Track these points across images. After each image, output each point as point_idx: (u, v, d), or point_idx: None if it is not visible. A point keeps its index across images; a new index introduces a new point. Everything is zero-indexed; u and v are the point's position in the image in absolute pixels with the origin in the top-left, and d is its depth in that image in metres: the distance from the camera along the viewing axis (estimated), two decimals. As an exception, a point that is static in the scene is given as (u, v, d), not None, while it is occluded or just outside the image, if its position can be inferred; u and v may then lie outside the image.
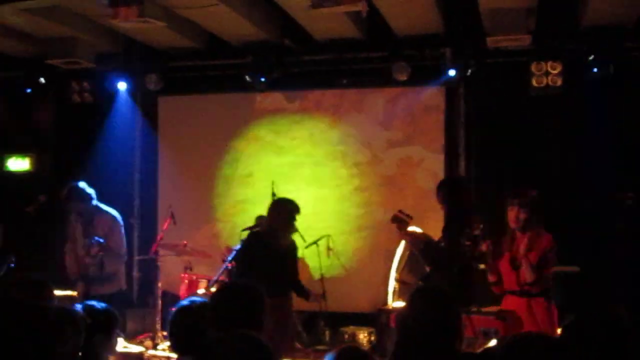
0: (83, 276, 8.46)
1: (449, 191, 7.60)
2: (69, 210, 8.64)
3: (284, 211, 7.83)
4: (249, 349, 3.20)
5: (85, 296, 7.90)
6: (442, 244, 7.33)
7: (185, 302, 4.42)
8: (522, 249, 6.56)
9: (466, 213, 7.35)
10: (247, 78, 10.90)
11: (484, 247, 6.73)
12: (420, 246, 7.62)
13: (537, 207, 6.67)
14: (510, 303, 6.58)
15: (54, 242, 9.78)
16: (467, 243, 6.86)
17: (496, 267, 6.73)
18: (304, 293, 7.93)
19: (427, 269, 7.40)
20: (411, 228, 7.91)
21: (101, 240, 8.15)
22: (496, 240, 6.86)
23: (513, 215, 6.64)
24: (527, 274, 6.49)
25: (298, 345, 9.70)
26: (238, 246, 7.81)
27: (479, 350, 5.60)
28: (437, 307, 3.94)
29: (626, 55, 9.74)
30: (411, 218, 7.59)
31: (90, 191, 8.55)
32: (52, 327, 3.65)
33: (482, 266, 6.99)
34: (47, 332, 3.63)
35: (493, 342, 5.89)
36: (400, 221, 7.57)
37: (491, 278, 6.80)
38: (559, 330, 6.27)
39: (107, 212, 8.63)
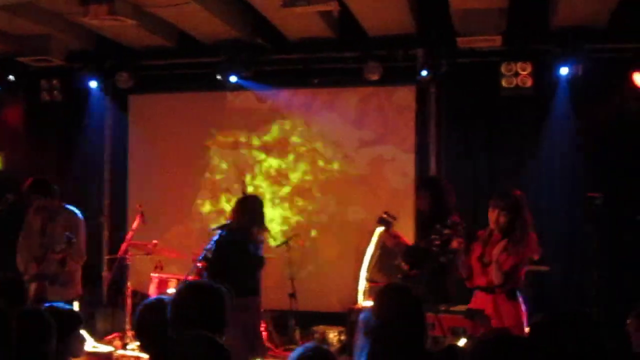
0: (39, 276, 7.78)
1: (433, 191, 7.65)
2: (28, 204, 8.20)
3: (251, 209, 7.81)
4: (205, 350, 3.19)
5: (40, 298, 7.39)
6: (421, 245, 7.34)
7: (151, 299, 4.42)
8: (495, 252, 6.55)
9: (448, 213, 7.38)
10: (218, 77, 10.89)
11: (454, 244, 6.74)
12: (402, 248, 7.64)
13: (520, 210, 6.64)
14: (479, 298, 6.59)
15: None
16: (437, 242, 6.87)
17: (468, 263, 6.73)
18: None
19: (405, 268, 7.40)
20: (381, 228, 7.93)
21: (72, 237, 7.73)
22: (468, 236, 6.86)
23: (493, 217, 6.62)
24: (495, 277, 6.50)
25: (268, 344, 9.69)
26: (208, 245, 7.77)
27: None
28: (400, 305, 3.96)
29: (596, 55, 9.80)
30: (396, 219, 7.61)
31: (55, 188, 8.19)
32: (43, 329, 3.67)
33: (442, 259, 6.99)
34: (37, 334, 3.64)
35: (462, 341, 5.91)
36: (386, 223, 7.60)
37: (462, 274, 6.81)
38: (526, 329, 6.32)
39: (72, 211, 8.27)
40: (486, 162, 10.58)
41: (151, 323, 4.13)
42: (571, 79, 9.93)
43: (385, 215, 7.62)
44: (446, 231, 6.78)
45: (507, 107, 10.37)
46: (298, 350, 3.59)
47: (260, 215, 7.85)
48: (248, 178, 9.90)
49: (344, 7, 8.99)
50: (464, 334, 5.85)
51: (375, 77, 10.52)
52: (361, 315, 4.12)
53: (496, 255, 6.52)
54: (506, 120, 10.49)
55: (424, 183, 7.85)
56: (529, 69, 9.95)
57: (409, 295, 4.08)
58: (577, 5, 8.94)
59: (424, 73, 10.34)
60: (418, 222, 10.10)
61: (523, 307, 6.58)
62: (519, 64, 9.95)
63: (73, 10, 9.19)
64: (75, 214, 8.25)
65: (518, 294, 6.59)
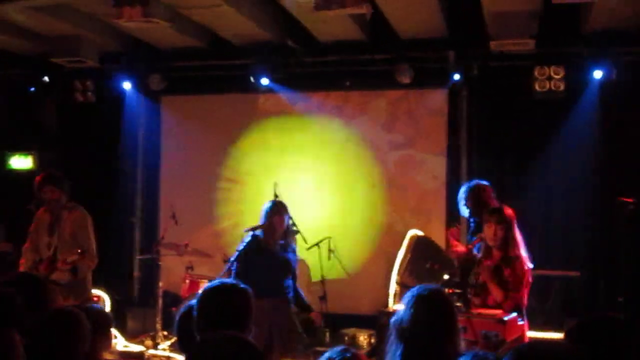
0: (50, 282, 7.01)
1: (476, 197, 7.71)
2: (40, 199, 7.81)
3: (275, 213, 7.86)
4: (237, 350, 3.20)
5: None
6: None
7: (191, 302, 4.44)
8: (486, 273, 6.56)
9: None
10: (251, 79, 10.93)
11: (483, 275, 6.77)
12: (461, 257, 7.66)
13: (511, 224, 6.66)
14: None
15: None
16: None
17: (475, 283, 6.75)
18: (304, 306, 8.02)
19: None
20: (413, 231, 7.95)
21: (84, 248, 7.47)
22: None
23: (491, 232, 6.63)
24: (496, 294, 6.50)
25: (298, 346, 9.71)
26: (240, 246, 7.79)
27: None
28: (438, 309, 3.96)
29: (629, 59, 9.75)
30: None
31: (67, 182, 7.89)
32: (81, 327, 3.70)
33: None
34: (76, 332, 3.68)
35: None
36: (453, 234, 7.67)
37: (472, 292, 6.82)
38: (555, 335, 6.32)
39: (78, 207, 7.91)
40: (517, 166, 10.53)
41: (189, 324, 4.15)
42: (604, 82, 9.88)
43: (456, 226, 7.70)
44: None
45: (539, 111, 10.33)
46: (327, 353, 3.59)
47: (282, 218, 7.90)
48: (279, 181, 9.87)
49: (375, 10, 8.99)
50: (496, 338, 5.83)
51: (406, 80, 10.52)
52: (392, 319, 4.11)
53: (488, 274, 6.53)
54: (537, 123, 10.44)
55: (469, 189, 7.91)
56: (562, 72, 9.90)
57: (442, 298, 4.08)
58: (610, 9, 8.89)
59: (456, 76, 10.33)
60: (449, 225, 10.10)
61: (523, 323, 6.57)
62: (552, 68, 9.90)
63: (106, 12, 9.25)
64: (82, 210, 7.94)
65: (524, 313, 6.59)
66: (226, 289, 3.95)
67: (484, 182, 8.01)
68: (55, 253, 7.56)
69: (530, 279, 6.63)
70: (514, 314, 6.32)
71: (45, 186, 7.72)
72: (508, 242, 6.58)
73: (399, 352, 3.96)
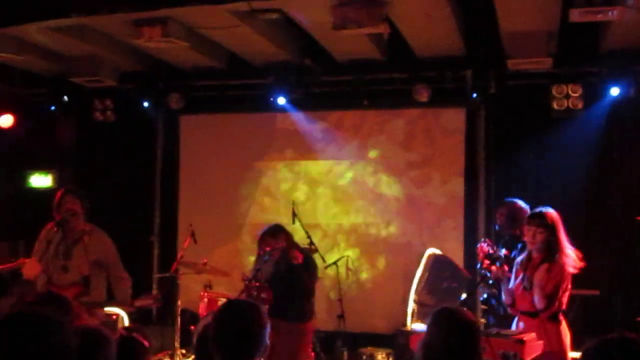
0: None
1: (508, 213, 7.72)
2: (61, 220, 7.37)
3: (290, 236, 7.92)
4: None
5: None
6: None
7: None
8: (537, 276, 6.53)
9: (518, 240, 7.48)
10: (269, 98, 10.98)
11: (494, 272, 6.75)
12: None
13: (556, 228, 6.64)
14: (524, 324, 6.57)
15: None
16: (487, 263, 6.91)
17: (511, 290, 6.72)
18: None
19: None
20: (430, 250, 7.97)
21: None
22: (512, 261, 6.86)
23: (530, 235, 6.63)
24: (538, 301, 6.47)
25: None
26: (258, 266, 7.82)
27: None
28: (462, 329, 3.98)
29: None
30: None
31: (87, 201, 7.56)
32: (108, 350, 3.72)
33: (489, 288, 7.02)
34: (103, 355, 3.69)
35: None
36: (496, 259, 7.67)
37: (507, 300, 6.80)
38: (573, 354, 6.28)
39: (98, 231, 7.60)
40: (536, 186, 10.51)
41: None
42: (622, 100, 9.86)
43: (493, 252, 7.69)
44: (496, 254, 6.82)
45: (557, 130, 10.32)
46: None
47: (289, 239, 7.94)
48: (297, 199, 9.92)
49: (393, 29, 9.02)
50: (514, 358, 5.82)
51: (424, 99, 10.53)
52: (420, 341, 4.13)
53: (538, 279, 6.50)
54: (556, 142, 10.42)
55: (502, 205, 7.95)
56: (579, 91, 9.90)
57: (461, 318, 4.10)
58: (628, 27, 8.89)
59: (473, 95, 10.34)
60: (467, 244, 10.11)
61: (566, 331, 6.54)
62: (570, 86, 9.90)
63: (126, 32, 9.33)
64: (106, 236, 7.67)
65: (561, 317, 6.56)
66: (240, 307, 3.96)
67: (521, 203, 8.01)
68: (87, 283, 7.26)
69: (569, 285, 6.59)
70: (533, 334, 6.31)
71: (66, 195, 7.45)
72: (551, 247, 6.56)
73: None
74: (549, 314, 6.46)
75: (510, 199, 8.15)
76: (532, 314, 6.52)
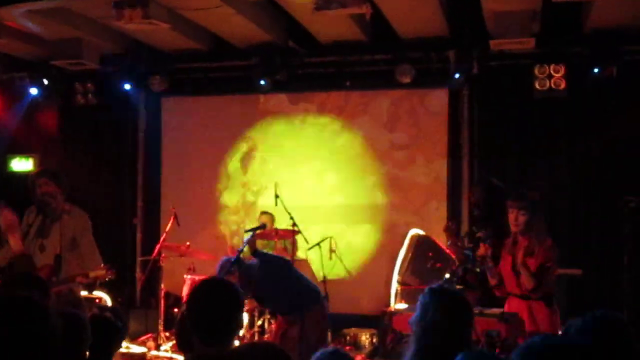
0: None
1: (485, 192, 7.70)
2: (35, 195, 7.16)
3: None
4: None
5: None
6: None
7: None
8: (520, 255, 6.53)
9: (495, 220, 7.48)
10: (252, 80, 10.93)
11: (481, 250, 6.72)
12: (460, 257, 7.67)
13: (538, 210, 6.64)
14: (513, 305, 6.58)
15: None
16: (469, 245, 6.92)
17: (497, 270, 6.72)
18: None
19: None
20: (414, 231, 7.96)
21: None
22: (498, 242, 6.85)
23: (513, 217, 6.62)
24: (526, 281, 6.47)
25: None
26: (241, 247, 7.78)
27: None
28: (457, 308, 3.99)
29: (629, 58, 9.75)
30: (456, 226, 7.66)
31: (65, 179, 7.32)
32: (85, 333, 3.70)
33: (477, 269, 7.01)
34: (80, 338, 3.67)
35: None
36: (449, 231, 7.67)
37: (492, 281, 6.79)
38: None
39: (76, 210, 7.31)
40: (519, 165, 10.53)
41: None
42: (605, 81, 9.86)
43: (450, 224, 7.69)
44: (478, 234, 6.81)
45: (540, 110, 10.33)
46: (316, 355, 3.61)
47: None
48: (280, 181, 9.88)
49: (376, 10, 8.99)
50: (497, 337, 5.83)
51: (407, 80, 10.51)
52: (411, 319, 4.13)
53: (521, 258, 6.50)
54: (539, 122, 10.44)
55: (477, 182, 7.93)
56: (562, 71, 9.89)
57: (459, 298, 4.10)
58: (611, 7, 8.90)
59: (456, 75, 10.32)
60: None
61: (557, 316, 6.56)
62: (552, 66, 9.89)
63: (107, 14, 9.25)
64: (84, 214, 7.37)
65: (554, 301, 6.57)
66: (215, 286, 3.91)
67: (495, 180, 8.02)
68: (59, 261, 7.07)
69: (554, 266, 6.60)
70: (516, 313, 6.33)
71: (39, 178, 7.22)
72: (532, 228, 6.55)
73: (414, 350, 3.99)
74: (539, 294, 6.46)
75: (484, 178, 8.16)
76: (522, 296, 6.53)
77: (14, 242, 6.70)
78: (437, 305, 4.03)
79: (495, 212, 7.61)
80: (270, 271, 7.63)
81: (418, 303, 4.13)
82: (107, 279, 7.22)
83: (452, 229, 7.71)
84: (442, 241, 9.26)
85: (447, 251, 8.18)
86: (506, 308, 6.64)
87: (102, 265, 7.11)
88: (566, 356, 3.01)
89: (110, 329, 4.12)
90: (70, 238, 7.21)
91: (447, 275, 6.99)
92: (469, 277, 7.56)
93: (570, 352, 3.03)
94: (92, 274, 7.09)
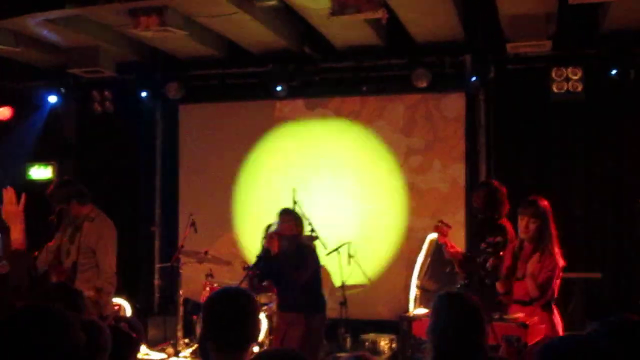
0: None
1: (488, 195, 7.64)
2: (65, 213, 7.41)
3: (293, 218, 7.82)
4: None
5: None
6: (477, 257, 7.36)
7: None
8: (530, 268, 6.48)
9: (499, 216, 7.46)
10: (268, 86, 10.95)
11: (490, 262, 6.66)
12: (458, 257, 7.62)
13: (547, 217, 6.58)
14: (514, 311, 6.54)
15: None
16: (490, 250, 6.87)
17: (506, 277, 6.67)
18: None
19: (461, 281, 7.38)
20: (432, 236, 7.93)
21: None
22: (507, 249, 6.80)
23: (523, 224, 6.55)
24: (531, 290, 6.44)
25: (319, 353, 9.70)
26: (261, 254, 7.79)
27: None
28: (470, 313, 3.97)
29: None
30: (450, 227, 7.61)
31: (86, 192, 7.46)
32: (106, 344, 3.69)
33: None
34: (102, 349, 3.66)
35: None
36: (439, 232, 7.62)
37: (501, 289, 6.73)
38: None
39: (99, 217, 7.43)
40: (537, 169, 10.50)
41: None
42: (622, 83, 9.81)
43: (440, 224, 7.63)
44: (496, 240, 6.76)
45: (558, 113, 10.29)
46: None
47: (298, 223, 7.86)
48: (297, 187, 9.89)
49: (391, 14, 8.99)
50: (517, 342, 5.80)
51: (423, 84, 10.50)
52: (430, 328, 4.11)
53: (531, 269, 6.46)
54: (557, 125, 10.40)
55: (481, 184, 7.87)
56: (579, 73, 9.84)
57: (469, 303, 4.09)
58: (627, 8, 8.86)
59: (472, 79, 10.29)
60: (469, 230, 10.09)
61: (558, 319, 6.52)
62: (570, 69, 9.84)
63: (123, 22, 9.30)
64: (105, 223, 7.46)
65: (553, 306, 6.53)
66: (231, 295, 3.89)
67: (498, 184, 7.97)
68: (75, 268, 7.23)
69: (560, 274, 6.55)
70: (536, 318, 6.29)
71: (51, 199, 7.48)
72: (541, 236, 6.51)
73: (432, 357, 3.98)
74: (542, 302, 6.43)
75: (487, 180, 8.12)
76: (525, 302, 6.49)
77: (16, 235, 6.68)
78: (448, 311, 4.03)
79: (496, 215, 7.58)
80: (312, 254, 7.70)
81: (431, 309, 4.12)
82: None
83: (444, 229, 7.61)
84: (460, 246, 9.24)
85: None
86: (510, 313, 6.62)
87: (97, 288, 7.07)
88: (583, 354, 3.01)
89: (125, 340, 4.11)
90: (87, 246, 7.29)
91: (465, 280, 6.95)
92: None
93: (586, 351, 3.03)
94: (86, 293, 7.01)
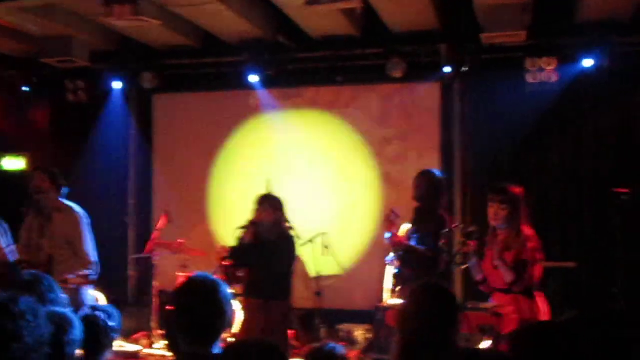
0: None
1: (430, 184, 7.68)
2: (34, 201, 7.32)
3: (280, 206, 7.83)
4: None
5: None
6: (424, 249, 7.41)
7: None
8: (495, 250, 6.50)
9: (439, 206, 7.57)
10: (243, 76, 10.90)
11: (471, 245, 6.67)
12: (399, 250, 7.68)
13: (518, 203, 6.60)
14: (498, 299, 6.55)
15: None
16: (443, 241, 6.93)
17: (482, 267, 6.69)
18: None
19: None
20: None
21: (92, 273, 7.20)
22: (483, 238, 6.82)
23: (492, 211, 6.58)
24: (505, 275, 6.44)
25: (294, 343, 9.69)
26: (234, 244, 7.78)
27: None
28: (441, 303, 3.97)
29: (621, 50, 9.73)
30: (399, 217, 7.64)
31: (62, 179, 7.41)
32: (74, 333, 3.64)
33: (463, 266, 6.97)
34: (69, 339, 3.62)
35: (487, 343, 5.86)
36: (389, 221, 7.65)
37: (477, 277, 6.76)
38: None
39: (69, 208, 7.38)
40: (512, 159, 10.52)
41: None
42: (597, 73, 9.85)
43: (391, 213, 7.68)
44: (470, 229, 6.78)
45: (532, 103, 10.30)
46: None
47: (278, 210, 7.86)
48: (272, 177, 9.87)
49: (366, 4, 8.97)
50: (491, 331, 5.81)
51: (398, 74, 10.48)
52: (399, 317, 4.11)
53: (497, 252, 6.47)
54: (531, 115, 10.40)
55: (421, 173, 7.89)
56: (554, 64, 9.86)
57: (444, 292, 4.08)
58: (602, -1, 8.90)
59: (447, 69, 10.30)
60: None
61: (543, 307, 6.51)
62: (544, 59, 9.86)
63: (96, 11, 9.21)
64: (77, 213, 7.40)
65: (535, 293, 6.53)
66: (196, 284, 3.80)
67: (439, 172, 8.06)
68: (51, 261, 7.11)
69: (539, 257, 6.55)
70: (511, 307, 6.30)
71: (35, 172, 7.42)
72: (513, 222, 6.52)
73: (399, 344, 3.97)
74: (520, 287, 6.43)
75: (428, 169, 8.15)
76: (505, 290, 6.50)
77: None
78: (417, 299, 4.02)
79: (436, 205, 7.64)
80: (288, 242, 7.76)
81: (405, 299, 4.11)
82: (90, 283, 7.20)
83: (393, 220, 7.66)
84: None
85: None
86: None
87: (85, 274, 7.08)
88: (556, 339, 3.01)
89: (100, 329, 4.08)
90: (61, 237, 7.25)
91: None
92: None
93: (559, 335, 3.04)
94: (71, 282, 6.98)
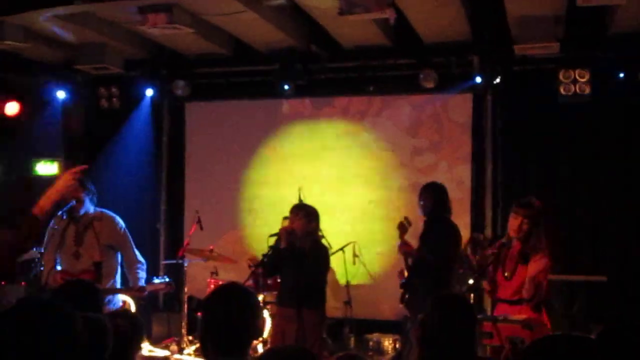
0: None
1: (436, 195, 7.73)
2: (71, 211, 7.27)
3: (316, 215, 7.83)
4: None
5: None
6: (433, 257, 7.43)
7: None
8: (531, 270, 6.49)
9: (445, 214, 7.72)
10: (274, 85, 10.95)
11: (490, 252, 6.71)
12: (408, 258, 7.72)
13: (540, 218, 6.61)
14: (500, 311, 6.55)
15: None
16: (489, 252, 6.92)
17: (493, 276, 6.70)
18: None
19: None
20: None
21: (166, 280, 7.58)
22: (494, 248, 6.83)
23: (516, 224, 6.57)
24: (528, 292, 6.45)
25: (323, 352, 9.69)
26: (267, 252, 7.80)
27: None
28: (459, 314, 3.97)
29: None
30: (410, 225, 7.69)
31: (92, 187, 7.42)
32: (105, 337, 3.66)
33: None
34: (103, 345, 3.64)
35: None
36: (402, 229, 7.70)
37: (487, 286, 6.77)
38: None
39: (108, 214, 7.50)
40: (543, 171, 10.48)
41: None
42: (630, 86, 9.80)
43: (404, 221, 7.71)
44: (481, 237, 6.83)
45: (564, 115, 10.26)
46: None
47: (311, 220, 7.85)
48: (303, 186, 9.88)
49: (399, 14, 8.98)
50: (521, 343, 5.80)
51: (430, 85, 10.50)
52: (418, 327, 4.11)
53: (532, 270, 6.46)
54: (563, 128, 10.37)
55: (426, 186, 7.94)
56: (587, 76, 9.82)
57: (463, 303, 4.09)
58: (636, 10, 8.83)
59: (479, 80, 10.29)
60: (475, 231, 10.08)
61: (546, 319, 6.54)
62: (577, 71, 9.82)
63: (130, 19, 9.31)
64: (114, 217, 7.54)
65: (542, 307, 6.54)
66: (225, 292, 3.79)
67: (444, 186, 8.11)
68: (99, 268, 7.18)
69: (548, 275, 6.57)
70: (541, 320, 6.30)
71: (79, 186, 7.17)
72: (533, 238, 6.52)
73: (420, 355, 3.98)
74: (535, 302, 6.45)
75: (434, 182, 8.17)
76: (512, 301, 6.51)
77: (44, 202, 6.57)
78: (436, 310, 4.03)
79: (444, 214, 7.76)
80: (322, 251, 7.78)
81: (425, 310, 4.12)
82: (166, 293, 7.39)
83: (406, 227, 7.69)
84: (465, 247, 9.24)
85: (471, 257, 8.14)
86: (496, 313, 6.63)
87: (166, 280, 7.57)
88: (570, 348, 3.01)
89: (122, 337, 4.08)
90: (105, 244, 7.33)
91: (471, 281, 6.95)
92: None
93: (573, 345, 3.03)
94: (149, 288, 7.38)
